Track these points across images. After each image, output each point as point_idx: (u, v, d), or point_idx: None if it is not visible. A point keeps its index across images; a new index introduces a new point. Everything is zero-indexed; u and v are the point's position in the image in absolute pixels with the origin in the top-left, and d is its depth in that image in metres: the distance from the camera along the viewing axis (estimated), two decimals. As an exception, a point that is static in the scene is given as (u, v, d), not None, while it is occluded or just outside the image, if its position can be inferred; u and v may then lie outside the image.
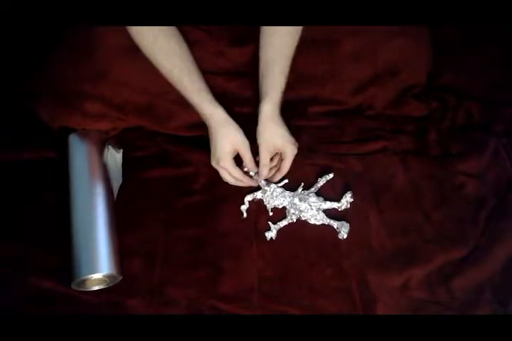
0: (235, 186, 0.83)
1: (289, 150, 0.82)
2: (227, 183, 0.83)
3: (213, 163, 0.81)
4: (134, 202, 0.83)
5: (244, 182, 0.83)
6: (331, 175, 0.85)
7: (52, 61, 0.89)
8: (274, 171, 0.85)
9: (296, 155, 0.83)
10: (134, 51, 0.82)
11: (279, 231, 0.79)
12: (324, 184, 0.84)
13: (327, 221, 0.80)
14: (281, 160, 0.84)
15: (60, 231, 0.76)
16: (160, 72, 0.82)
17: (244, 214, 0.81)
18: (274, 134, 0.82)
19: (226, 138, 0.80)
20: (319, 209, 0.81)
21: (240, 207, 0.82)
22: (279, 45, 0.84)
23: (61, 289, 0.72)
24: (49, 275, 0.73)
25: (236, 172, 0.81)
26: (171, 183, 0.85)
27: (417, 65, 0.97)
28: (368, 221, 0.81)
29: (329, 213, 0.81)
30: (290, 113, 0.87)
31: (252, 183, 0.83)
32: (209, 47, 0.89)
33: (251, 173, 0.84)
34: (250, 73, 0.90)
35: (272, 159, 0.84)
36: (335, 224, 0.80)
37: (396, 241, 0.79)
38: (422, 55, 0.98)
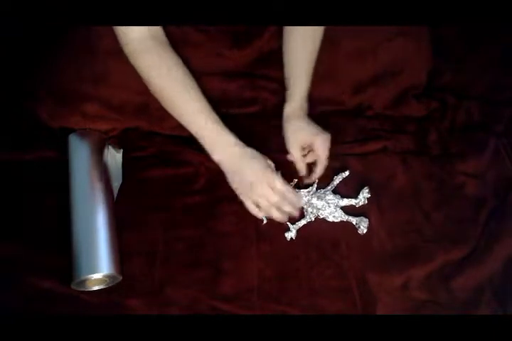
0: None
1: (319, 139, 0.81)
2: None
3: None
4: (134, 202, 0.83)
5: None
6: (347, 173, 0.85)
7: (52, 61, 0.89)
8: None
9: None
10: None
11: (280, 232, 0.79)
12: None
13: (345, 217, 0.80)
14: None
15: (60, 231, 0.76)
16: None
17: (265, 220, 0.80)
18: (299, 128, 0.83)
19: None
20: (337, 206, 0.81)
21: (240, 206, 0.81)
22: (301, 45, 0.86)
23: (61, 289, 0.72)
24: (49, 275, 0.73)
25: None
26: (171, 183, 0.85)
27: (417, 65, 0.97)
28: (368, 221, 0.81)
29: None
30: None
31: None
32: (208, 48, 0.89)
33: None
34: (250, 74, 0.90)
35: (305, 156, 0.84)
36: (353, 220, 0.80)
37: (396, 241, 0.79)
38: (422, 55, 0.98)
